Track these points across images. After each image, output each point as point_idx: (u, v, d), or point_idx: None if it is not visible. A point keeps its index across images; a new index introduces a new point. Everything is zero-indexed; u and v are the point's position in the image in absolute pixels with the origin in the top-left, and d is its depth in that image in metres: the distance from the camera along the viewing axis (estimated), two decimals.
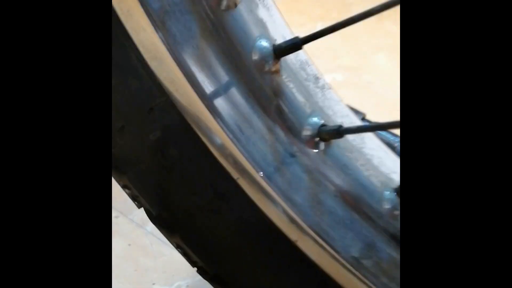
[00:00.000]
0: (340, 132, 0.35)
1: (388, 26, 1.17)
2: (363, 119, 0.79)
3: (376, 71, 1.07)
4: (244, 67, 0.35)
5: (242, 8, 0.34)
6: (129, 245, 0.90)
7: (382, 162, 0.38)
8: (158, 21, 0.32)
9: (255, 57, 0.35)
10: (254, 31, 0.35)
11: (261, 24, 0.35)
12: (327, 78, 1.17)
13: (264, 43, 0.35)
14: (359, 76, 1.06)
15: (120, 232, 0.91)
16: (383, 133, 0.79)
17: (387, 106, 0.97)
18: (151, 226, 0.40)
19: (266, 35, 0.35)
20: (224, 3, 0.33)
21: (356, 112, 0.84)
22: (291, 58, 0.36)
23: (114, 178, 0.41)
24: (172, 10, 0.32)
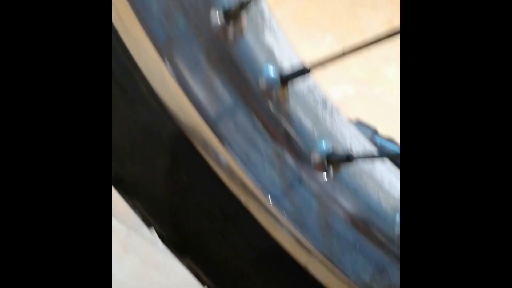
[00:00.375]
0: (349, 158, 0.35)
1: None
2: (375, 133, 0.78)
3: (387, 82, 1.07)
4: (251, 94, 0.35)
5: (248, 36, 0.34)
6: (142, 262, 0.90)
7: (393, 186, 0.38)
8: (166, 52, 0.32)
9: (262, 83, 0.35)
10: (261, 57, 0.35)
11: (268, 50, 0.35)
12: (338, 91, 1.17)
13: (271, 70, 0.35)
14: (370, 88, 1.06)
15: (132, 248, 0.91)
16: (397, 148, 0.78)
17: (399, 118, 0.97)
18: None
19: (273, 61, 0.35)
20: (231, 32, 0.34)
21: (367, 126, 0.84)
22: (299, 84, 0.36)
23: (126, 201, 0.41)
24: (179, 41, 0.33)
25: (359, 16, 1.23)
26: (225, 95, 0.34)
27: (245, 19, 0.34)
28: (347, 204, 0.36)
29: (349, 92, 1.05)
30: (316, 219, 0.35)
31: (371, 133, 0.79)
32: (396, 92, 1.05)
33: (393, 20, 1.19)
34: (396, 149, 0.77)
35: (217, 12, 0.33)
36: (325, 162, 0.36)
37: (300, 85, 0.37)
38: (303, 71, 0.34)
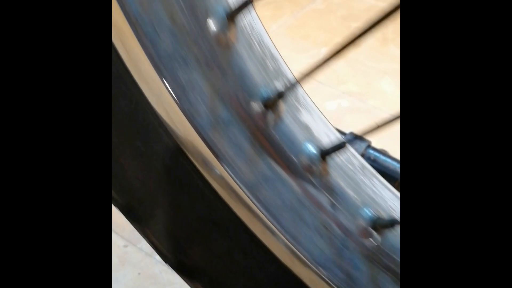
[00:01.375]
0: (393, 224, 0.36)
1: (393, 50, 1.19)
2: (369, 146, 0.79)
3: (382, 96, 1.09)
4: (294, 171, 0.36)
5: (286, 119, 0.36)
6: (139, 274, 0.90)
7: None
8: (210, 142, 0.34)
9: (303, 160, 0.36)
10: (300, 136, 0.37)
11: (306, 128, 0.37)
12: (333, 104, 1.18)
13: (310, 147, 0.37)
14: (364, 102, 1.07)
15: (129, 261, 0.92)
16: (390, 161, 0.80)
17: (393, 131, 0.99)
18: None
19: (311, 138, 0.37)
20: (270, 119, 0.36)
21: (361, 139, 0.85)
22: (338, 155, 0.38)
23: (136, 229, 0.42)
24: (223, 131, 0.34)
25: (353, 30, 1.23)
26: (270, 174, 0.36)
27: (282, 105, 0.36)
28: (395, 265, 0.37)
29: (343, 105, 1.06)
30: (367, 283, 0.36)
31: (365, 146, 0.80)
32: (390, 105, 1.07)
33: (387, 34, 1.20)
34: (389, 161, 0.78)
35: (256, 102, 0.35)
36: (370, 227, 0.37)
37: (340, 157, 0.38)
38: (340, 145, 0.36)
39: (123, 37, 0.33)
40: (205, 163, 0.35)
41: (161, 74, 0.33)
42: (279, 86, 0.36)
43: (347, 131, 0.82)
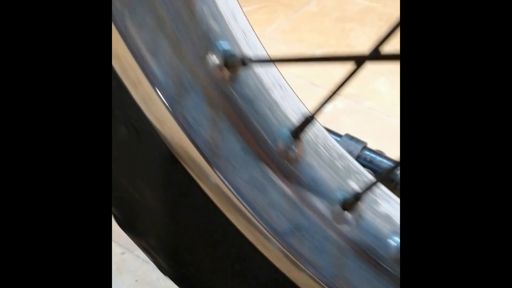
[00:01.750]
0: None
1: (388, 51, 1.18)
2: (365, 147, 0.79)
3: (377, 97, 1.08)
4: (384, 264, 0.37)
5: (368, 216, 0.37)
6: (136, 281, 0.90)
7: None
8: (292, 249, 0.35)
9: (392, 254, 0.37)
10: (384, 230, 0.37)
11: (387, 218, 0.38)
12: (328, 105, 1.17)
13: (396, 239, 0.37)
14: (360, 103, 1.07)
15: (127, 268, 0.91)
16: (386, 161, 0.79)
17: (389, 132, 0.98)
18: None
19: (395, 229, 0.38)
20: (351, 219, 0.36)
21: (357, 141, 0.84)
22: None
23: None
24: (305, 238, 0.35)
25: (347, 32, 1.24)
26: (363, 273, 0.36)
27: (361, 205, 0.37)
28: None
29: (339, 106, 1.06)
30: None
31: (361, 147, 0.79)
32: (386, 106, 1.07)
33: (382, 34, 1.19)
34: (385, 162, 0.77)
35: (335, 206, 0.36)
36: None
37: None
38: None
39: (200, 172, 0.34)
40: (292, 266, 0.36)
41: (243, 200, 0.34)
42: (354, 185, 0.37)
43: (343, 132, 0.81)
